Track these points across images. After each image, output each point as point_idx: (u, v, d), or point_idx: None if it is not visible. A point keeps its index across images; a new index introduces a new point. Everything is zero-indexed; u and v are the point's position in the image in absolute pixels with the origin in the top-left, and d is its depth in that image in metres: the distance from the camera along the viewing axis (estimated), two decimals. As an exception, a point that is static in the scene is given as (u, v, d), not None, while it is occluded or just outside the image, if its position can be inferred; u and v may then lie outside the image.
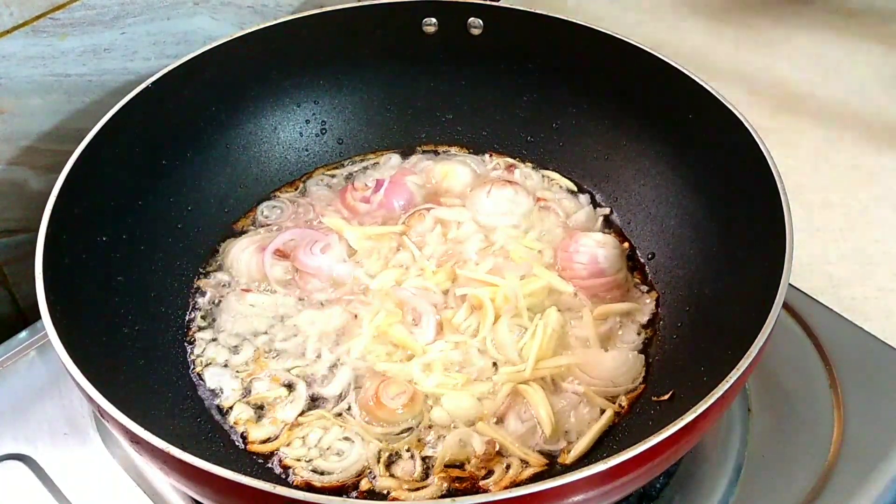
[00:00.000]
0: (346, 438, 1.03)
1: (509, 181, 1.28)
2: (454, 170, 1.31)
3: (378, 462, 1.00)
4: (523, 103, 1.34)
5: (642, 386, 1.08)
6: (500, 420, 1.04)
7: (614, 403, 1.06)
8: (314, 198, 1.30)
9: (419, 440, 1.03)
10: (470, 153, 1.36)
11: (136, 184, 1.16)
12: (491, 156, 1.35)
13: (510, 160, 1.34)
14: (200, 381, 1.09)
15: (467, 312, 1.12)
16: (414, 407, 1.04)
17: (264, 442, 1.03)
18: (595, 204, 1.29)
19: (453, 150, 1.37)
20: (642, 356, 1.10)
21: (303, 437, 1.03)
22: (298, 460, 1.01)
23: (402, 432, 1.03)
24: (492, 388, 1.06)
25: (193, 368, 1.11)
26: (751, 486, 1.04)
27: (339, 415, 1.05)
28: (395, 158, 1.35)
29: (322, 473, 1.00)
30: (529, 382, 1.05)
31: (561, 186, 1.31)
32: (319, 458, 1.01)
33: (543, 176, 1.32)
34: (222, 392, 1.08)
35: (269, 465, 1.01)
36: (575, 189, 1.30)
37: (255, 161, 1.31)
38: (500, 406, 1.04)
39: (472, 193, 1.28)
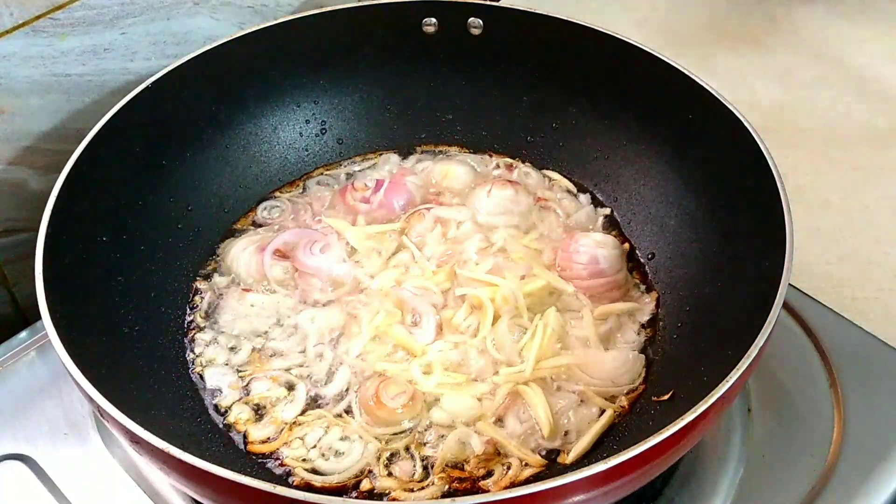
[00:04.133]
0: (346, 438, 1.03)
1: (510, 181, 1.28)
2: (454, 169, 1.31)
3: (378, 462, 1.00)
4: (523, 103, 1.34)
5: (642, 386, 1.08)
6: (499, 420, 1.04)
7: (614, 403, 1.06)
8: (314, 198, 1.30)
9: (419, 440, 1.03)
10: (470, 153, 1.36)
11: (136, 184, 1.17)
12: (491, 156, 1.35)
13: (510, 160, 1.34)
14: (200, 381, 1.09)
15: (467, 312, 1.12)
16: (414, 407, 1.04)
17: (264, 442, 1.03)
18: (595, 204, 1.29)
19: (453, 150, 1.37)
20: (642, 356, 1.10)
21: (302, 437, 1.03)
22: (298, 460, 1.01)
23: (401, 432, 1.03)
24: (491, 389, 1.06)
25: (193, 368, 1.11)
26: (751, 486, 1.04)
27: (339, 415, 1.05)
28: (394, 158, 1.35)
29: (322, 474, 1.00)
30: (529, 383, 1.05)
31: (561, 186, 1.31)
32: (319, 458, 1.01)
33: (544, 176, 1.32)
34: (221, 392, 1.08)
35: (269, 465, 1.01)
36: (575, 189, 1.30)
37: (255, 161, 1.31)
38: (500, 406, 1.04)
39: (473, 193, 1.28)
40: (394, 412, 1.03)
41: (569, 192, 1.30)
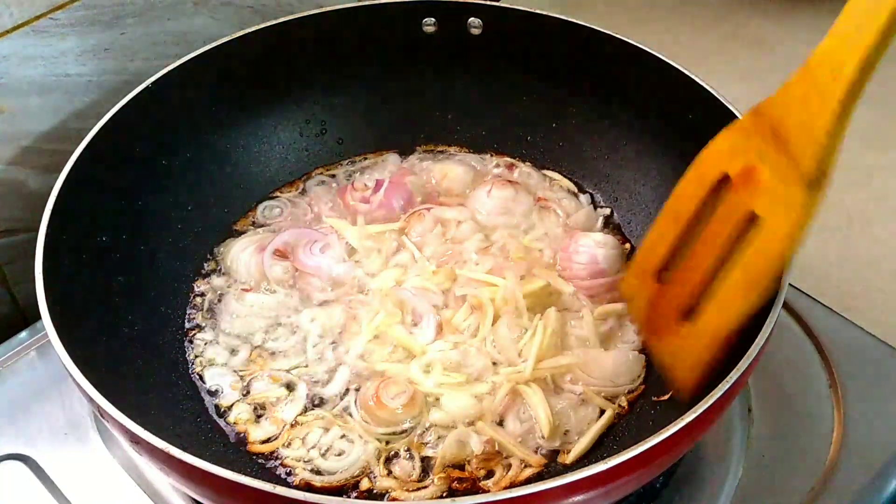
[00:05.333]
0: (346, 438, 1.03)
1: (510, 181, 1.28)
2: (453, 169, 1.31)
3: (378, 462, 1.00)
4: (523, 103, 1.34)
5: (642, 386, 1.07)
6: (499, 420, 1.04)
7: (614, 403, 1.05)
8: (314, 198, 1.30)
9: (419, 441, 1.03)
10: (470, 153, 1.36)
11: (136, 184, 1.17)
12: (491, 155, 1.35)
13: (510, 160, 1.34)
14: (200, 381, 1.09)
15: (467, 313, 1.12)
16: (414, 407, 1.03)
17: (264, 442, 1.03)
18: (595, 204, 1.29)
19: (453, 149, 1.37)
20: (642, 356, 1.10)
21: (302, 438, 1.03)
22: (298, 460, 1.01)
23: (401, 432, 1.03)
24: (491, 389, 1.06)
25: (193, 368, 1.11)
26: (751, 486, 1.04)
27: (339, 415, 1.05)
28: (394, 158, 1.35)
29: (322, 473, 1.00)
30: (529, 383, 1.05)
31: (561, 186, 1.31)
32: (319, 458, 1.01)
33: (544, 176, 1.32)
34: (222, 392, 1.08)
35: (270, 465, 1.01)
36: (575, 189, 1.30)
37: (255, 161, 1.31)
38: (500, 406, 1.04)
39: (473, 192, 1.28)
40: (394, 412, 1.03)
41: (569, 192, 1.30)
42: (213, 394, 1.08)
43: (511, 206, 1.25)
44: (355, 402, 1.05)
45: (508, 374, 1.06)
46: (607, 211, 1.27)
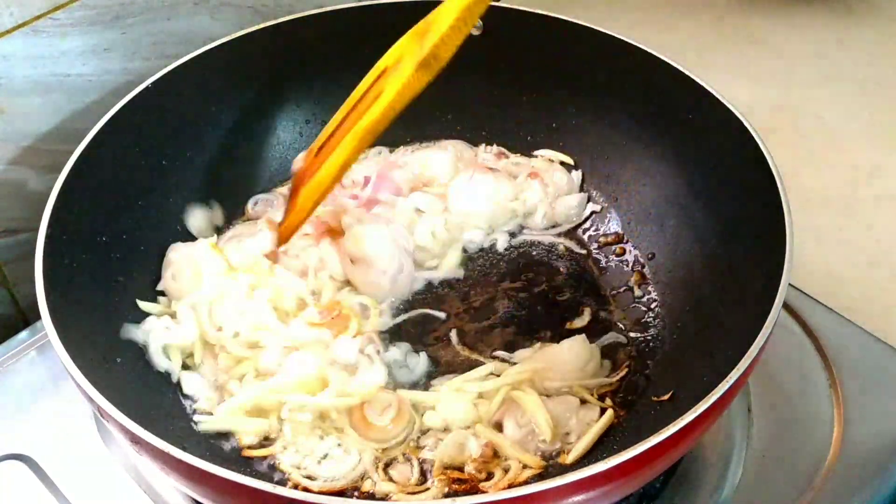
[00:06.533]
0: (342, 447, 1.01)
1: (490, 168, 1.28)
2: (433, 158, 1.30)
3: (376, 469, 1.00)
4: (523, 103, 1.33)
5: (617, 382, 1.08)
6: (497, 425, 1.03)
7: (603, 400, 1.05)
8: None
9: (415, 445, 1.02)
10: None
11: (136, 184, 1.17)
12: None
13: (497, 147, 1.34)
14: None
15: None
16: (402, 418, 1.02)
17: (257, 447, 1.02)
18: (594, 202, 1.29)
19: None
20: (581, 337, 1.10)
21: (297, 445, 1.01)
22: (295, 466, 1.00)
23: (397, 444, 1.02)
24: (486, 393, 1.04)
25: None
26: (751, 486, 1.04)
27: (333, 423, 1.03)
28: (383, 151, 1.34)
29: (319, 479, 0.99)
30: (523, 388, 1.04)
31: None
32: (315, 464, 1.00)
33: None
34: (201, 395, 1.06)
35: (265, 469, 1.01)
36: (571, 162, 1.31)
37: (255, 161, 1.31)
38: (496, 411, 1.03)
39: (454, 180, 1.27)
40: (384, 429, 1.01)
41: (562, 164, 1.31)
42: (194, 398, 1.06)
43: (492, 192, 1.25)
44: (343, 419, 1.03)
45: (476, 376, 1.06)
46: (598, 208, 1.28)
